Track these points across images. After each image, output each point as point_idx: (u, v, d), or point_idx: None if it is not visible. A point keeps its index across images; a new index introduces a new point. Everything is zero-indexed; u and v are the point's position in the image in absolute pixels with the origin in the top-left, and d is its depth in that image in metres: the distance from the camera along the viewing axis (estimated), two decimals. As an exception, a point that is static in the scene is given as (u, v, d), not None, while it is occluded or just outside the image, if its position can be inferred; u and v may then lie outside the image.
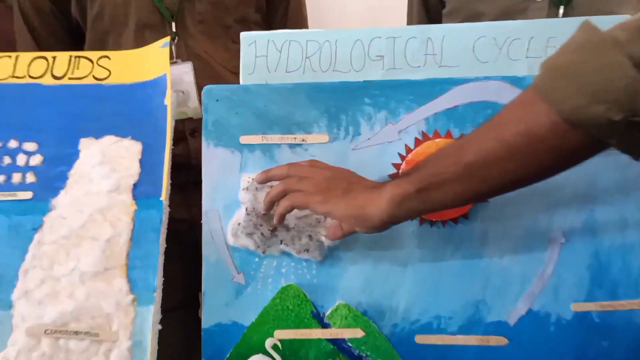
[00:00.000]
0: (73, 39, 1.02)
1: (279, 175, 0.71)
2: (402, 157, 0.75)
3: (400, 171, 0.75)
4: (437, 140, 0.75)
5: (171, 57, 0.91)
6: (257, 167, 0.76)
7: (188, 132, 0.96)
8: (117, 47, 0.94)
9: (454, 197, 0.60)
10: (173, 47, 0.93)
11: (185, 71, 0.92)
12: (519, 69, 0.77)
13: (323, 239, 0.74)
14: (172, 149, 0.77)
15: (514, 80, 0.75)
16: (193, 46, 0.96)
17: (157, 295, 0.72)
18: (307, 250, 0.74)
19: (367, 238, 0.75)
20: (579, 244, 0.74)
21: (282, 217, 0.70)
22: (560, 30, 0.76)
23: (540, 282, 0.74)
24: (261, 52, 0.77)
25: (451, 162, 0.59)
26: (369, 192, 0.64)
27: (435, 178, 0.60)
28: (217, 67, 0.97)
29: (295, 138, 0.76)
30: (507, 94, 0.74)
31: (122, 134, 0.78)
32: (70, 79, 0.81)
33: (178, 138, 0.84)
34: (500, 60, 0.77)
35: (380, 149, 0.76)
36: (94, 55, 0.83)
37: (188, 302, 1.02)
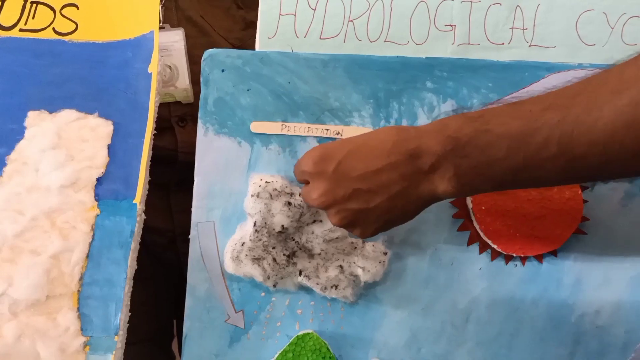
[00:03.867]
0: None
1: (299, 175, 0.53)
2: (473, 166, 0.55)
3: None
4: (524, 145, 0.55)
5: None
6: (272, 167, 0.57)
7: (175, 120, 0.77)
8: (91, -5, 0.73)
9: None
10: (160, 8, 0.72)
11: (175, 40, 0.72)
12: (637, 56, 0.57)
13: (359, 272, 0.54)
14: (154, 137, 0.60)
15: (630, 72, 0.55)
16: (186, 7, 0.78)
17: (120, 341, 0.52)
18: (336, 287, 0.55)
19: (418, 274, 0.57)
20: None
21: None
22: (694, 8, 0.57)
23: (647, 348, 0.57)
24: (288, 8, 0.57)
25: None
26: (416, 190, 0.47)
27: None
28: (215, 37, 0.77)
29: (327, 130, 0.57)
30: (619, 90, 0.55)
31: (87, 109, 0.61)
32: (22, 30, 0.64)
33: (161, 127, 0.67)
34: (611, 44, 0.58)
35: (443, 152, 0.55)
36: (57, 2, 0.65)
37: (159, 333, 0.82)
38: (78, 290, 0.54)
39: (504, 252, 0.55)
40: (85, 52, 0.62)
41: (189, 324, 0.57)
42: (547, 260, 0.57)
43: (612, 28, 0.58)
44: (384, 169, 0.46)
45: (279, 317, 0.57)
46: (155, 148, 0.60)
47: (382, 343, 0.57)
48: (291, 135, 0.57)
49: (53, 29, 0.64)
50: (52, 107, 0.60)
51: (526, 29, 0.58)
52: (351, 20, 0.58)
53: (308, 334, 0.56)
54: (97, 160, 0.58)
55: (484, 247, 0.56)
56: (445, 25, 0.58)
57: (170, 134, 0.79)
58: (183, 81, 0.73)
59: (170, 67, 0.74)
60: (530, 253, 0.56)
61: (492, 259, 0.56)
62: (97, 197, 0.57)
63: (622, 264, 0.56)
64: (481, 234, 0.55)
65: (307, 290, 0.56)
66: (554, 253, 0.56)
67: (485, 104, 0.56)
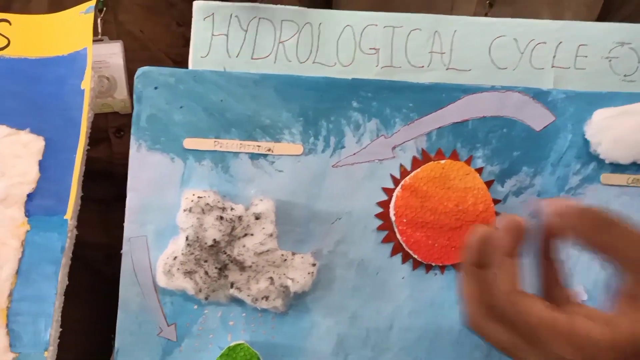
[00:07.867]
0: None
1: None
2: (396, 181, 0.59)
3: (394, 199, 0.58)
4: (442, 161, 0.59)
5: (96, 34, 0.75)
6: (205, 182, 0.59)
7: (112, 131, 0.76)
8: (25, 12, 0.73)
9: None
10: (99, 21, 0.73)
11: (114, 52, 0.73)
12: (544, 79, 0.63)
13: (289, 283, 0.56)
14: (88, 150, 0.60)
15: (538, 94, 0.61)
16: (126, 21, 0.77)
17: (50, 357, 0.52)
18: (266, 298, 0.56)
19: (345, 284, 0.60)
20: (606, 302, 0.59)
21: None
22: (593, 36, 0.62)
23: (556, 348, 0.59)
24: (220, 28, 0.59)
25: None
26: None
27: None
28: (155, 51, 0.78)
29: (259, 146, 0.59)
30: (528, 110, 0.61)
31: (18, 125, 0.60)
32: (-50, 46, 0.64)
33: (98, 138, 0.67)
34: (521, 67, 0.63)
35: (368, 168, 0.60)
36: (-12, 17, 0.66)
37: (97, 350, 0.81)
38: (7, 307, 0.54)
39: (425, 262, 0.59)
40: (17, 68, 0.62)
41: (120, 339, 0.57)
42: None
43: (522, 53, 0.62)
44: None
45: (211, 329, 0.58)
46: (90, 160, 0.60)
47: (312, 351, 0.59)
48: (224, 152, 0.58)
49: (-17, 44, 0.64)
50: (-18, 123, 0.60)
51: (444, 53, 0.62)
52: (282, 42, 0.60)
53: (239, 344, 0.57)
54: (28, 176, 0.58)
55: (406, 257, 0.59)
56: (370, 49, 0.61)
57: (106, 145, 0.79)
58: (121, 92, 0.74)
59: (108, 79, 0.74)
60: (448, 262, 0.59)
61: (414, 268, 0.59)
62: (28, 213, 0.57)
63: (530, 269, 0.60)
64: (403, 244, 0.58)
65: (238, 302, 0.58)
66: (471, 262, 0.60)
67: (407, 123, 0.60)
